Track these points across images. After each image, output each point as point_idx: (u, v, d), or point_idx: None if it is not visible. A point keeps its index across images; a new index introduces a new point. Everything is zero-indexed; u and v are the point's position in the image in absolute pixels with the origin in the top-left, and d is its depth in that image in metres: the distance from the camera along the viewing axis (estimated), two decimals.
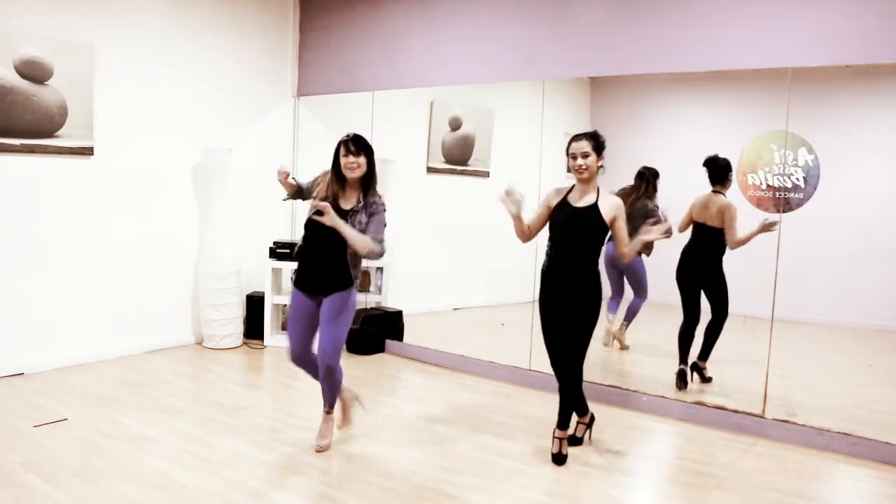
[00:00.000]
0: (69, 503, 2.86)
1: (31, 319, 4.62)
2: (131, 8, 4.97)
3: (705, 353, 4.61)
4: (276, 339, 5.62)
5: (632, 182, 5.06)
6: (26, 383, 4.39)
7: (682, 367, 4.57)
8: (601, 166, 3.32)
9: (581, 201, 3.33)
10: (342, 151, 3.24)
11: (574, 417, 3.59)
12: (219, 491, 3.03)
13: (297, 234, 6.21)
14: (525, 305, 4.86)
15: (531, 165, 4.99)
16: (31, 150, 4.51)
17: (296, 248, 3.44)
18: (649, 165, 5.00)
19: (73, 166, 4.74)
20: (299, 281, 3.41)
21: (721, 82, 5.10)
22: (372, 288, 6.10)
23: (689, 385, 4.57)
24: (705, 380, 4.61)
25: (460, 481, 3.21)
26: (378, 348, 5.58)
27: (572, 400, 3.46)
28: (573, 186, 3.39)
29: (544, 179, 5.08)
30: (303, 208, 6.30)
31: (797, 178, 4.47)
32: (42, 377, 4.52)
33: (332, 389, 3.51)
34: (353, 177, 3.25)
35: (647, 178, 4.94)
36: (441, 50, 5.17)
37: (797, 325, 5.10)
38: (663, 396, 4.29)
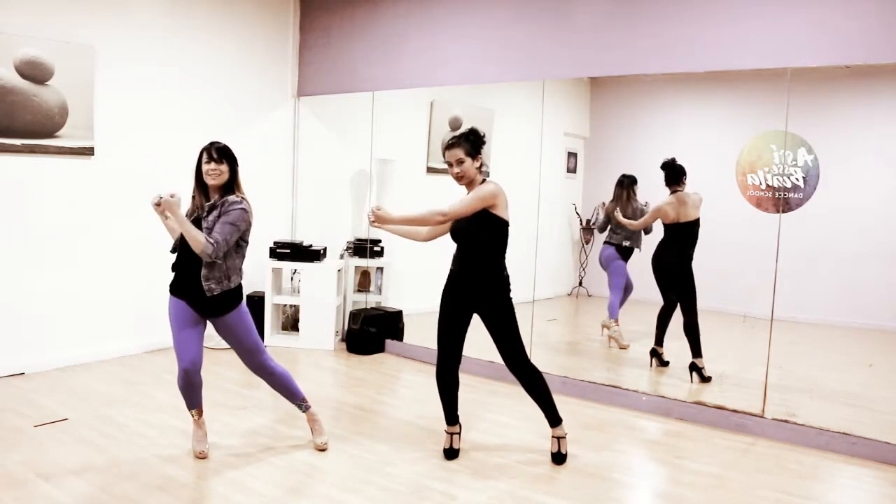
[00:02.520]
0: (69, 503, 2.86)
1: (31, 319, 4.62)
2: (132, 8, 4.97)
3: (695, 350, 4.65)
4: (277, 339, 5.62)
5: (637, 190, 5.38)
6: (26, 383, 4.40)
7: (654, 346, 4.95)
8: (480, 166, 3.28)
9: None
10: (204, 158, 3.21)
11: (551, 433, 3.51)
12: (219, 491, 3.03)
13: (297, 235, 6.21)
14: (524, 305, 4.86)
15: (531, 165, 4.99)
16: (32, 150, 4.52)
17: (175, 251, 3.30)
18: (627, 173, 5.37)
19: (73, 166, 4.74)
20: (179, 291, 3.24)
21: (721, 82, 5.11)
22: (372, 288, 6.10)
23: (656, 364, 4.74)
24: (704, 379, 4.62)
25: (460, 481, 3.21)
26: (378, 348, 5.58)
27: (548, 398, 3.43)
28: None
29: (544, 179, 5.10)
30: (302, 208, 6.31)
31: (797, 179, 4.47)
32: (42, 377, 4.52)
33: (287, 386, 3.46)
34: (215, 183, 3.21)
35: (626, 186, 5.33)
36: (441, 50, 5.17)
37: (797, 325, 5.11)
38: (663, 396, 4.29)
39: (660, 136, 5.75)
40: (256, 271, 5.78)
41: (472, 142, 3.24)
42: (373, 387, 4.71)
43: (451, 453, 3.48)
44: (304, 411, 3.54)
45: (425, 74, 5.29)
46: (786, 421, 3.89)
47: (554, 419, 3.47)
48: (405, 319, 5.71)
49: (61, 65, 4.57)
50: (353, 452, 3.50)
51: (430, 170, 6.30)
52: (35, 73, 4.46)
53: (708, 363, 4.65)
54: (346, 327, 5.82)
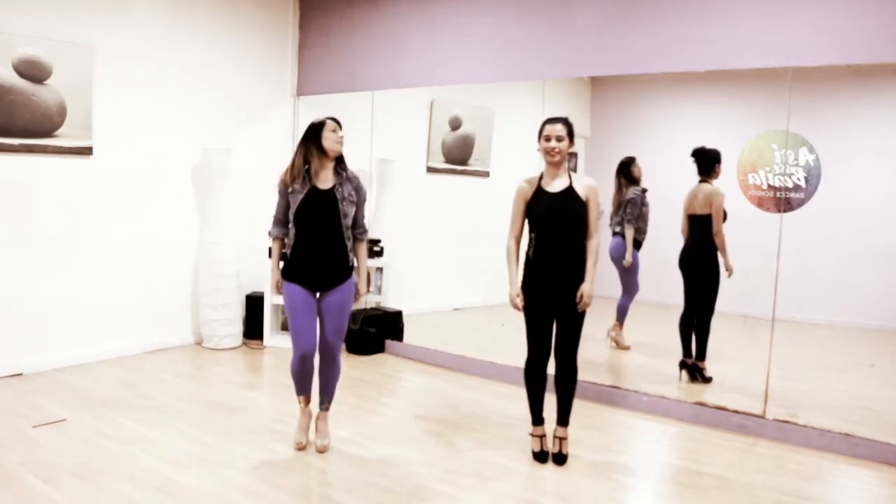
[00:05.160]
0: (68, 503, 2.86)
1: (30, 319, 4.61)
2: (131, 8, 4.96)
3: (700, 352, 4.61)
4: (276, 340, 5.61)
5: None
6: (25, 384, 4.38)
7: (683, 358, 4.68)
8: (572, 153, 3.40)
9: (554, 186, 3.34)
10: (330, 127, 3.35)
11: (555, 431, 3.51)
12: (218, 491, 3.02)
13: None
14: None
15: (531, 165, 4.97)
16: (30, 149, 4.51)
17: (289, 242, 3.40)
18: (625, 157, 5.11)
19: (72, 166, 4.73)
20: (298, 276, 3.37)
21: (721, 82, 5.09)
22: (372, 288, 6.09)
23: (686, 379, 4.63)
24: (705, 380, 4.60)
25: (460, 481, 3.20)
26: (378, 348, 5.57)
27: (572, 398, 3.45)
28: (542, 174, 3.40)
29: None
30: None
31: (798, 178, 4.46)
32: (41, 377, 4.51)
33: (332, 382, 3.54)
34: (339, 150, 3.36)
35: (624, 168, 5.08)
36: (441, 50, 5.16)
37: (797, 325, 5.10)
38: (663, 396, 4.28)
39: (660, 136, 5.73)
40: (256, 271, 5.77)
41: (570, 126, 3.36)
42: (373, 387, 4.70)
43: (542, 456, 3.46)
44: (322, 409, 3.58)
45: (425, 74, 5.27)
46: (787, 422, 3.88)
47: (564, 418, 3.47)
48: (405, 319, 5.70)
49: (60, 64, 4.56)
50: (353, 453, 3.49)
51: (430, 169, 6.29)
52: (33, 72, 4.45)
53: (709, 364, 4.63)
54: None
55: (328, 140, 3.32)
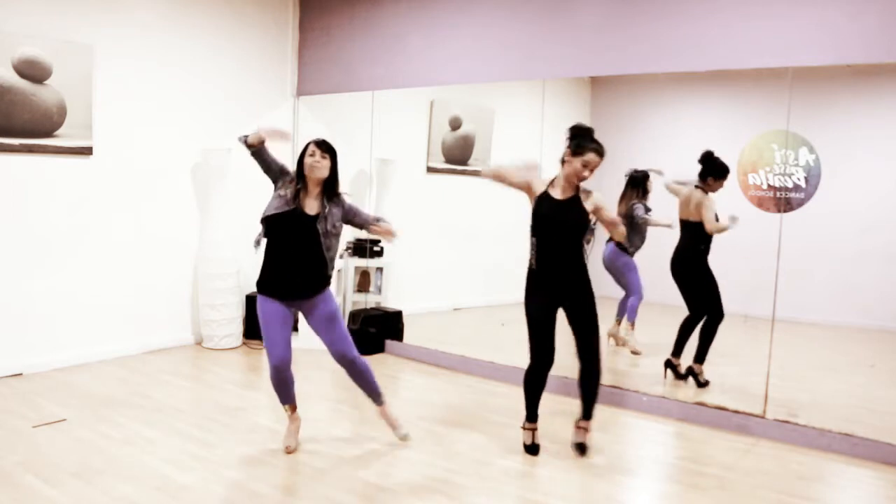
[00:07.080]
0: (68, 503, 2.85)
1: (30, 319, 4.61)
2: (131, 8, 4.96)
3: (700, 355, 4.57)
4: None
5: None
6: (25, 384, 4.38)
7: (670, 357, 4.68)
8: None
9: (562, 195, 3.40)
10: (309, 150, 3.26)
11: (578, 422, 3.58)
12: (218, 491, 3.02)
13: None
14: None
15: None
16: (30, 149, 4.50)
17: (259, 245, 3.36)
18: (638, 168, 5.05)
19: (72, 166, 4.73)
20: (271, 288, 3.31)
21: (721, 82, 5.10)
22: (372, 288, 6.09)
23: (671, 378, 4.66)
24: (701, 385, 4.56)
25: (460, 481, 3.20)
26: (378, 348, 5.57)
27: (597, 393, 3.53)
28: (553, 179, 3.44)
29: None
30: None
31: (798, 178, 4.46)
32: (41, 377, 4.51)
33: (369, 381, 3.51)
34: (316, 176, 3.24)
35: (639, 182, 5.00)
36: (441, 50, 5.16)
37: (797, 325, 5.09)
38: (663, 397, 4.28)
39: (661, 136, 5.73)
40: (256, 271, 5.76)
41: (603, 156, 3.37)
42: None
43: (534, 448, 3.56)
44: (378, 406, 3.59)
45: (425, 74, 5.27)
46: (787, 422, 3.88)
47: (589, 412, 3.54)
48: (405, 319, 5.70)
49: (60, 64, 4.55)
50: (352, 453, 3.49)
51: (430, 169, 6.29)
52: (33, 72, 4.45)
53: (709, 364, 4.62)
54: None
55: (307, 165, 3.24)
